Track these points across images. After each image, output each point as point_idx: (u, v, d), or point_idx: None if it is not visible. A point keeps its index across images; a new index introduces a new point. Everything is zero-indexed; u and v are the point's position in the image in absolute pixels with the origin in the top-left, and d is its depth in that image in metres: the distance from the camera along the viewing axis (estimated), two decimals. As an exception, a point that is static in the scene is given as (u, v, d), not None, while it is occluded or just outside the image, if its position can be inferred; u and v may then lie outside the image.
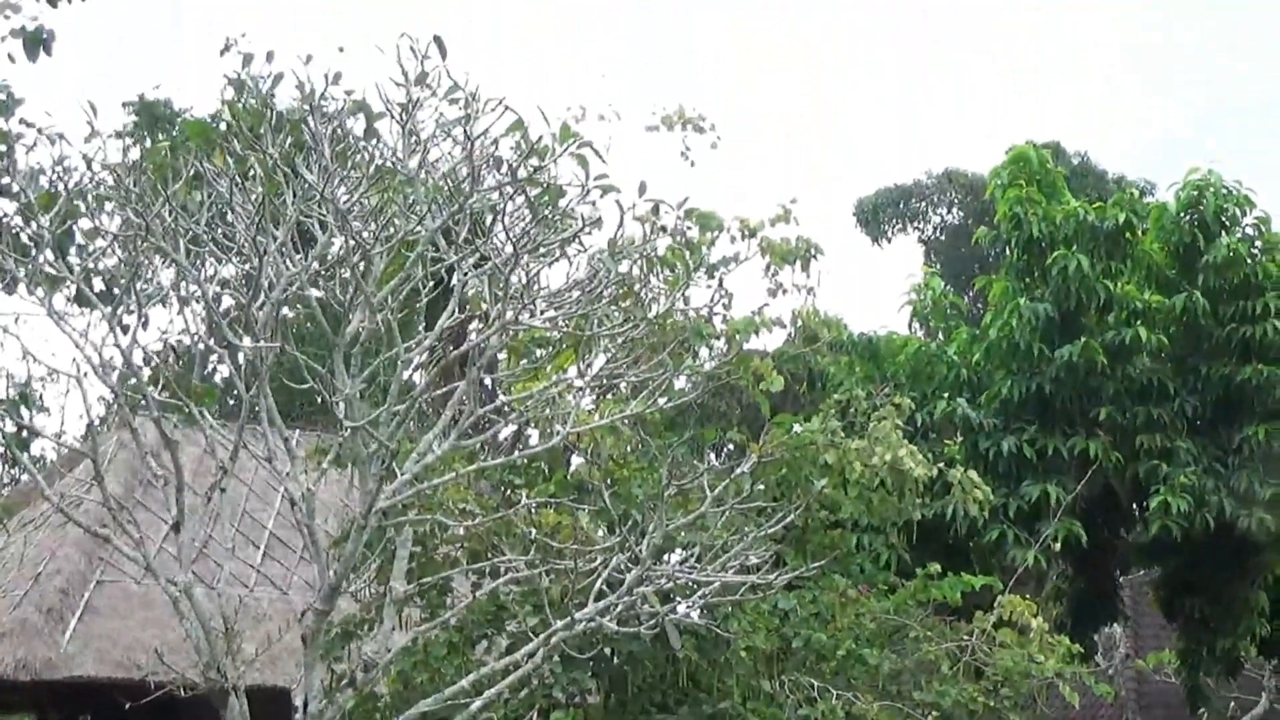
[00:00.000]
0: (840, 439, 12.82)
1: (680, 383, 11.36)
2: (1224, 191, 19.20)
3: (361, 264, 7.89)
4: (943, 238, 47.10)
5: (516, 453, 12.37)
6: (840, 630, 11.87)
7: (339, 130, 8.77)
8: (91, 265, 8.27)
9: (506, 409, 9.51)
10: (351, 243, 7.81)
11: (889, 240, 47.81)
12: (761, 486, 11.41)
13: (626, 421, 10.57)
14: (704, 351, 13.16)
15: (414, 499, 8.76)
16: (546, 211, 8.31)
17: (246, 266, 7.97)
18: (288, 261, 7.85)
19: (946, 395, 19.26)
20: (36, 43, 12.03)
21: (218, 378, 29.44)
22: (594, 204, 8.63)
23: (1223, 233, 19.18)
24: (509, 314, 7.95)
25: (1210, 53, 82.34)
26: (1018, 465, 18.82)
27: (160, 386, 7.79)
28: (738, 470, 9.43)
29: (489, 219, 8.47)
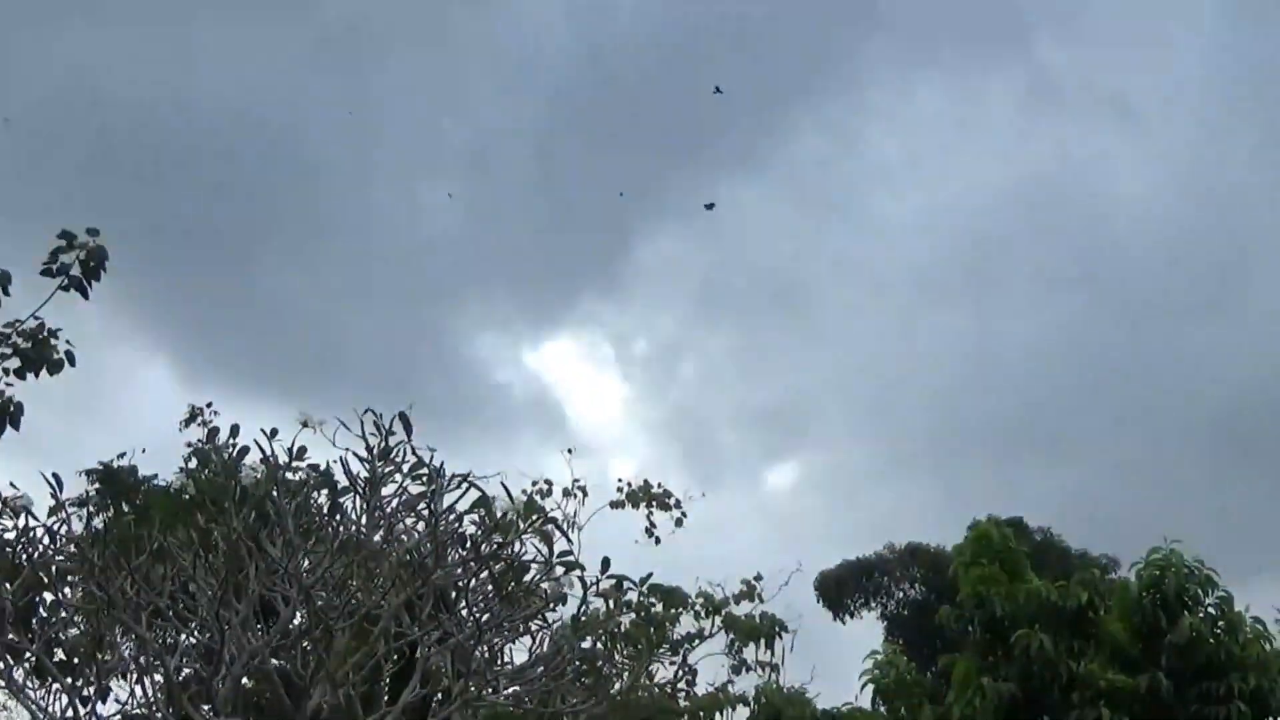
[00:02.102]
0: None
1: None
2: (1186, 571, 19.27)
3: (324, 638, 7.82)
4: (905, 612, 46.89)
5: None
6: None
7: (303, 504, 8.84)
8: (53, 636, 8.15)
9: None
10: (314, 616, 7.76)
11: (852, 615, 47.56)
12: None
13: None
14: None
15: None
16: (510, 587, 8.31)
17: (208, 638, 7.88)
18: (250, 634, 7.78)
19: (914, 776, 18.75)
20: (2, 417, 12.14)
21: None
22: (558, 580, 8.64)
23: (1185, 612, 19.16)
24: (472, 690, 7.84)
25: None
26: None
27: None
28: None
29: (453, 594, 8.46)
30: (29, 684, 7.45)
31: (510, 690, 8.43)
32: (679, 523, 16.19)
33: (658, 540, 15.93)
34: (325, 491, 14.72)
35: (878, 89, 61.24)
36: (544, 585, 8.41)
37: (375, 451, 8.34)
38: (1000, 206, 59.50)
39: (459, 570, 8.34)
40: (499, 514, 8.59)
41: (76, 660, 7.51)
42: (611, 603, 12.38)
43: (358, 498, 8.46)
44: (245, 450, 17.23)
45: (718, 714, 13.61)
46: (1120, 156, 60.02)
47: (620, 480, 16.39)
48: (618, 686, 9.95)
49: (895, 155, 60.84)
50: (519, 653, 8.55)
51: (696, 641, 12.75)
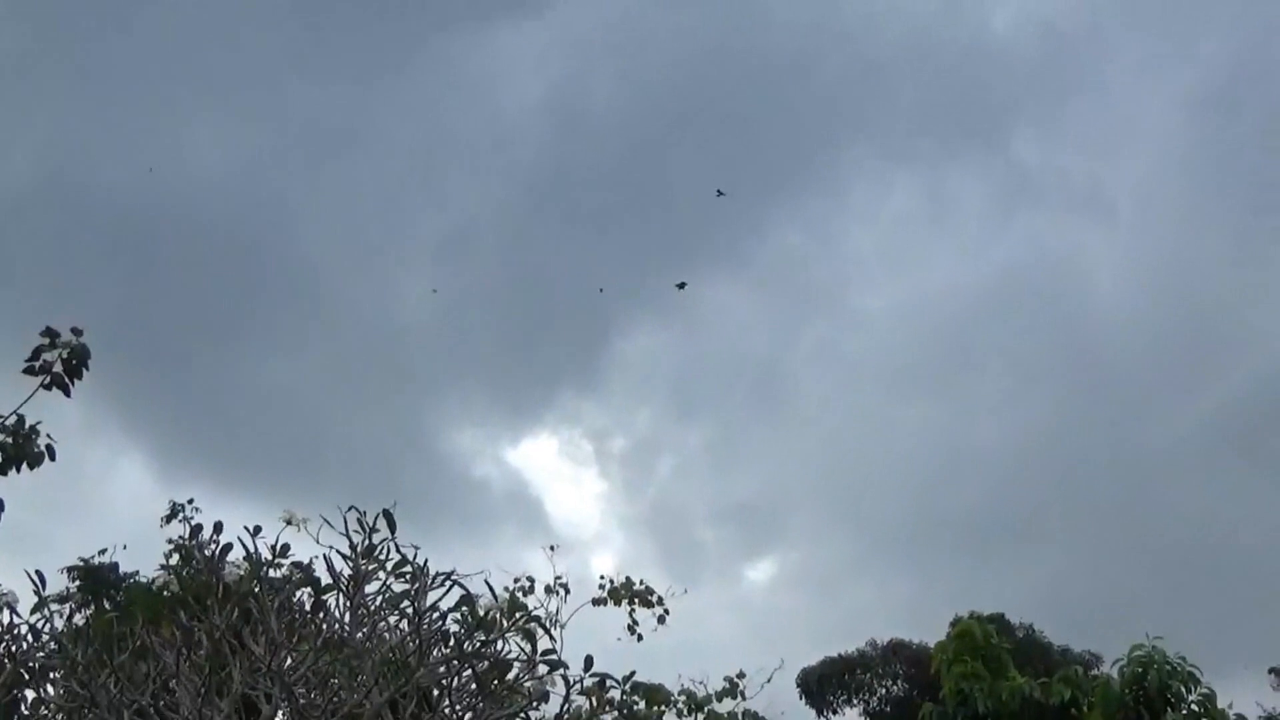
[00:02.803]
0: None
1: None
2: (1168, 668, 19.24)
3: (305, 738, 7.79)
4: (888, 709, 46.59)
5: None
6: None
7: (286, 601, 8.83)
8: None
9: None
10: (296, 715, 7.74)
11: (835, 712, 47.22)
12: None
13: None
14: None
15: None
16: (494, 686, 8.30)
17: (188, 738, 7.85)
18: (231, 734, 7.75)
19: None
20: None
21: None
22: (541, 678, 8.63)
23: (1168, 709, 19.11)
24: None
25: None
26: None
27: None
28: None
29: (436, 693, 8.44)
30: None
31: (493, 789, 8.39)
32: (662, 620, 16.14)
33: (640, 637, 15.88)
34: (309, 589, 14.70)
35: (856, 186, 62.56)
36: (527, 684, 8.40)
37: (359, 549, 8.36)
38: (976, 300, 60.86)
39: (442, 669, 8.33)
40: (482, 612, 8.59)
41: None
42: (594, 701, 12.32)
43: (341, 595, 8.46)
44: (229, 547, 17.20)
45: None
46: (1095, 251, 61.32)
47: (602, 577, 16.36)
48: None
49: (872, 250, 61.95)
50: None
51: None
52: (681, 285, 31.53)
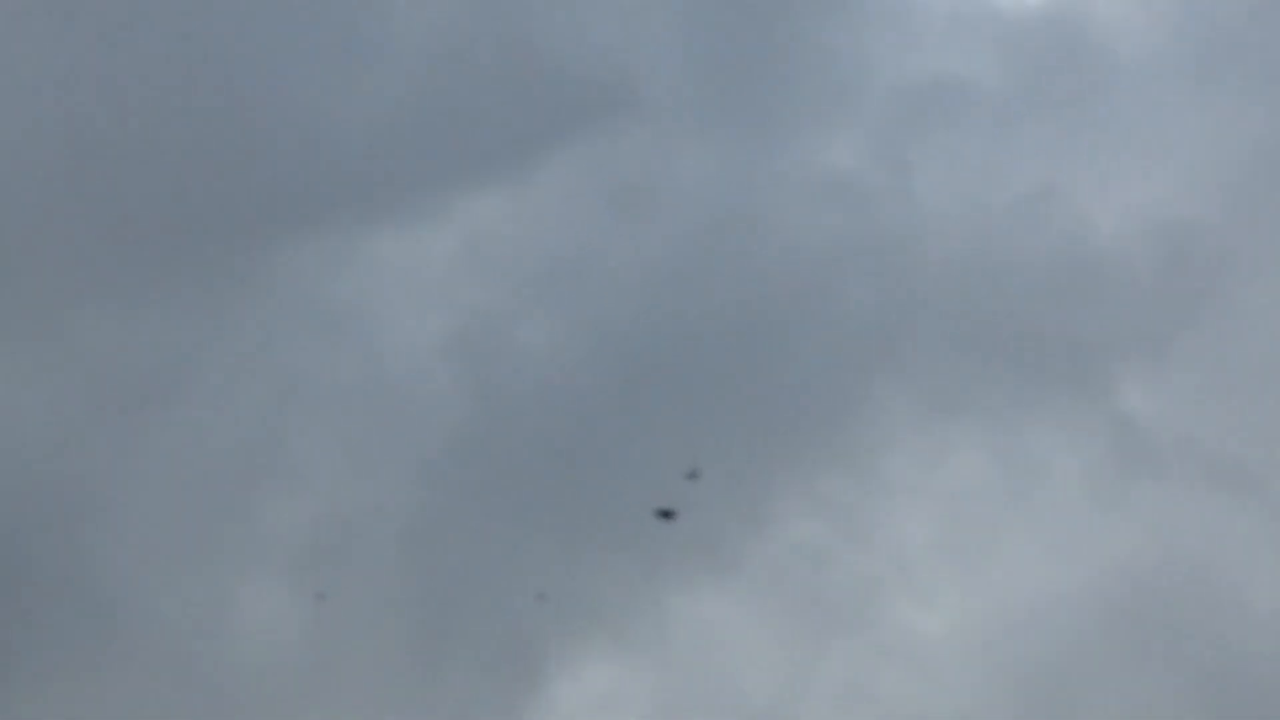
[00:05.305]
0: None
1: None
2: None
3: None
4: None
5: None
6: None
7: None
8: None
9: None
10: None
11: None
12: None
13: None
14: None
15: None
16: None
17: None
18: None
19: None
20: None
21: None
22: None
23: None
24: None
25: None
26: None
27: None
28: None
29: None
30: None
31: None
32: None
33: None
34: None
35: (894, 449, 48.93)
36: None
37: None
38: (1075, 613, 45.61)
39: None
40: None
41: None
42: None
43: None
44: None
45: None
46: (1236, 536, 46.47)
47: None
48: None
49: (921, 540, 47.50)
50: None
51: None
52: (693, 476, 28.05)
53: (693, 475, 30.05)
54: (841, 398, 50.59)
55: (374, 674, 42.08)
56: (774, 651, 46.17)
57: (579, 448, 46.93)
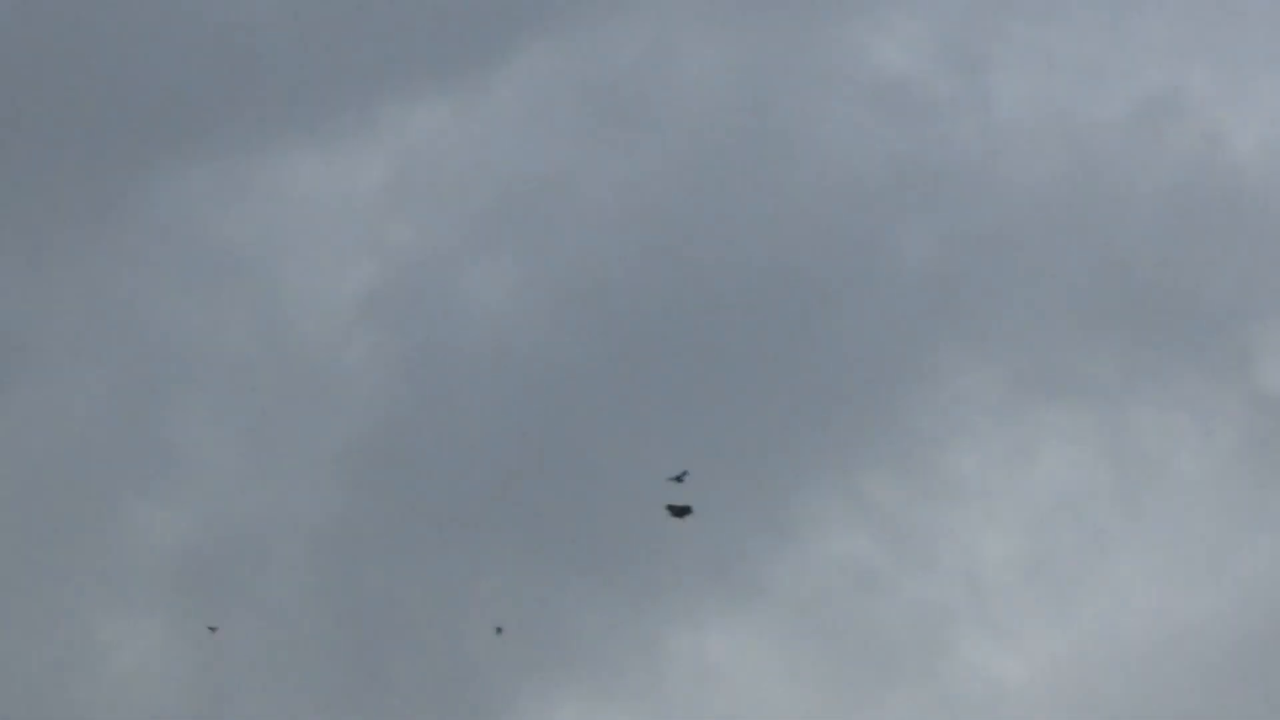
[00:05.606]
0: None
1: None
2: None
3: None
4: None
5: None
6: None
7: None
8: None
9: None
10: None
11: None
12: None
13: None
14: None
15: None
16: None
17: None
18: None
19: None
20: None
21: None
22: None
23: None
24: None
25: None
26: None
27: None
28: None
29: None
30: None
31: None
32: None
33: None
34: None
35: (964, 442, 42.98)
36: None
37: None
38: (1200, 647, 38.84)
39: None
40: None
41: None
42: None
43: None
44: None
45: None
46: None
47: None
48: None
49: (999, 559, 41.39)
50: None
51: None
52: (680, 478, 27.63)
53: (680, 479, 28.49)
54: (894, 374, 43.97)
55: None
56: (804, 701, 40.87)
57: (545, 435, 41.88)
